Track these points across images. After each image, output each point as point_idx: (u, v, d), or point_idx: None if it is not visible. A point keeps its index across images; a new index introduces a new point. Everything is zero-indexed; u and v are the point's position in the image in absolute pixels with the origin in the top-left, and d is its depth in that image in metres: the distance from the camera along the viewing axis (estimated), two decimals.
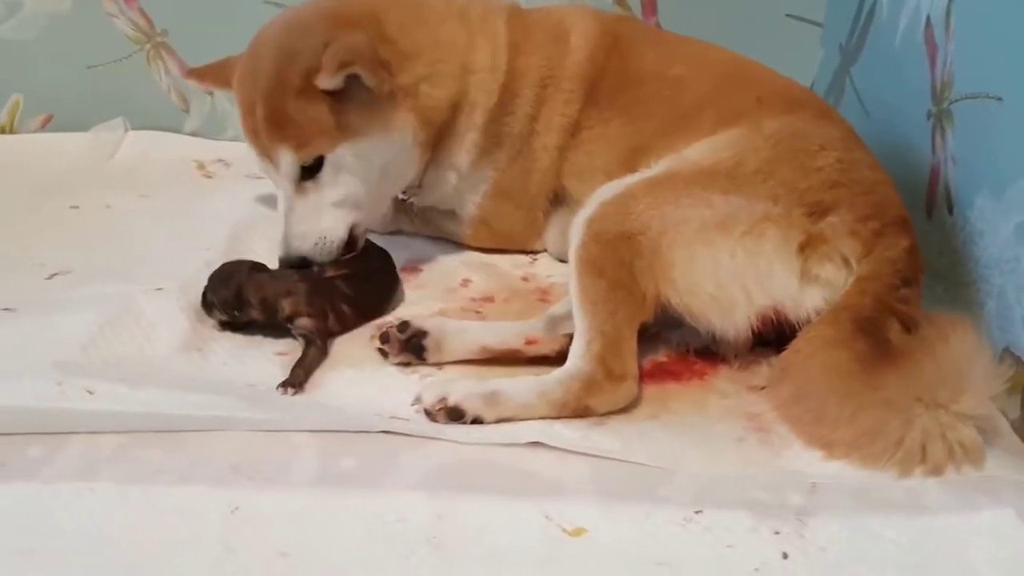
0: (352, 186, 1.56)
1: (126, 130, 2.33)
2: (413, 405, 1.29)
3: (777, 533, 1.10)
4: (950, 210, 1.53)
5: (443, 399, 1.26)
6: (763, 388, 1.38)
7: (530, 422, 1.26)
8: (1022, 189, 1.32)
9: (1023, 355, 1.30)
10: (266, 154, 1.55)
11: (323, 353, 1.42)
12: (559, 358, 1.36)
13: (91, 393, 1.25)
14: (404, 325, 1.41)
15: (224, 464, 1.17)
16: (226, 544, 1.04)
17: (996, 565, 1.07)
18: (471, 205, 1.75)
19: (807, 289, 1.34)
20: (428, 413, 1.27)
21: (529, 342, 1.41)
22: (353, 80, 1.48)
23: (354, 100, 1.51)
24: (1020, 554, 1.09)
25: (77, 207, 2.01)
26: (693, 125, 1.55)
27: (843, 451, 1.23)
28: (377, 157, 1.56)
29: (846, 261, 1.36)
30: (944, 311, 1.42)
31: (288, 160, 1.52)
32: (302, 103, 1.49)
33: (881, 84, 1.90)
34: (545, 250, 1.82)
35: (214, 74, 1.74)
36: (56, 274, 1.68)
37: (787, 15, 2.22)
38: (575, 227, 1.39)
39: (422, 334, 1.40)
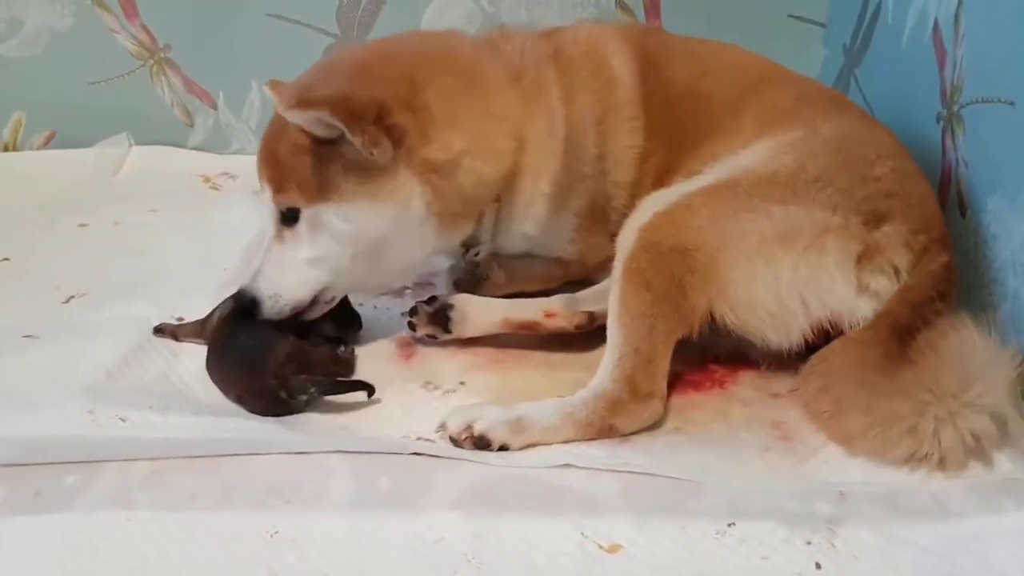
0: (331, 249, 1.41)
1: (130, 145, 2.35)
2: (437, 432, 1.29)
3: (809, 543, 1.11)
4: (963, 213, 1.54)
5: (469, 427, 1.26)
6: (794, 390, 1.39)
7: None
8: None
9: None
10: (260, 185, 1.45)
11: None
12: (578, 333, 1.43)
13: (123, 420, 1.26)
14: (432, 299, 1.50)
15: (260, 488, 1.17)
16: (269, 568, 1.05)
17: None
18: (557, 250, 1.63)
19: (861, 298, 1.34)
20: (454, 441, 1.26)
21: (548, 315, 1.48)
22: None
23: (348, 160, 1.36)
24: None
25: (86, 225, 2.02)
26: (733, 128, 1.52)
27: (861, 440, 1.25)
28: (370, 226, 1.40)
29: (897, 272, 1.35)
30: (960, 313, 1.43)
31: (267, 201, 1.42)
32: (292, 148, 1.37)
33: (887, 86, 1.91)
34: None
35: None
36: (72, 297, 1.68)
37: (789, 15, 2.24)
38: (625, 234, 1.37)
39: (448, 307, 1.49)
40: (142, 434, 1.24)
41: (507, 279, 1.64)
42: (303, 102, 1.32)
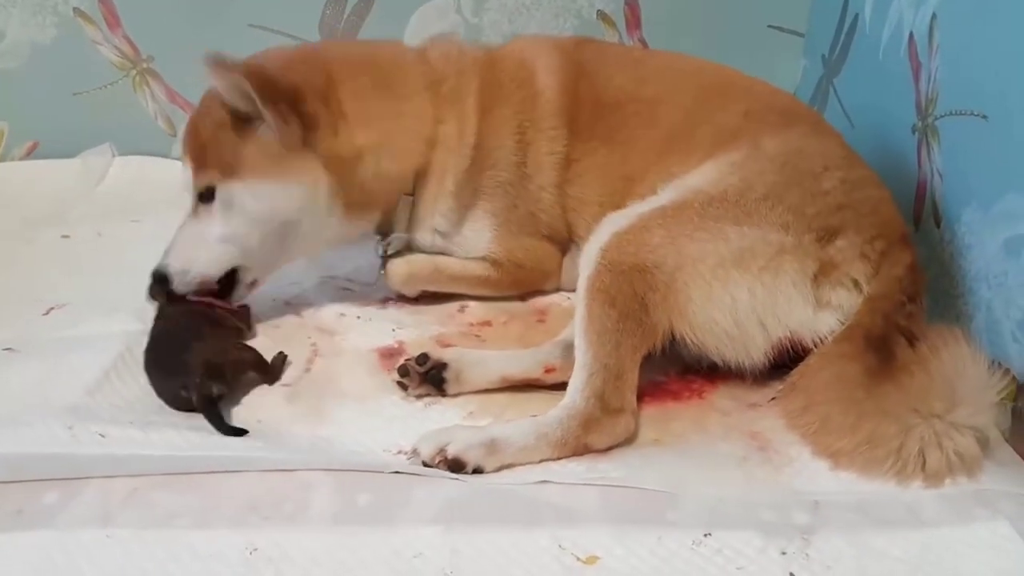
0: (241, 227, 1.52)
1: (113, 155, 2.35)
2: (409, 458, 1.28)
3: (784, 553, 1.13)
4: (937, 223, 1.56)
5: (442, 451, 1.25)
6: (773, 399, 1.41)
7: None
8: (1010, 204, 1.36)
9: (1012, 367, 1.33)
10: (183, 161, 1.57)
11: None
12: None
13: (103, 437, 1.26)
14: (423, 358, 1.42)
15: (240, 505, 1.18)
16: None
17: None
18: (479, 250, 1.69)
19: (821, 314, 1.37)
20: (427, 465, 1.25)
21: (548, 370, 1.43)
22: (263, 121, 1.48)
23: (263, 141, 1.49)
24: (1016, 566, 1.12)
25: (68, 236, 2.01)
26: (686, 146, 1.55)
27: (847, 459, 1.27)
28: (277, 205, 1.52)
29: (857, 284, 1.38)
30: (935, 323, 1.45)
31: (187, 178, 1.54)
32: (214, 124, 1.50)
33: (865, 96, 1.94)
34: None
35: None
36: (53, 309, 1.68)
37: (769, 26, 2.26)
38: (587, 255, 1.39)
39: (442, 366, 1.42)
40: (122, 451, 1.24)
41: (439, 278, 1.69)
42: (224, 64, 1.43)
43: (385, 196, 1.61)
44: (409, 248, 1.71)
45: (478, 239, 1.68)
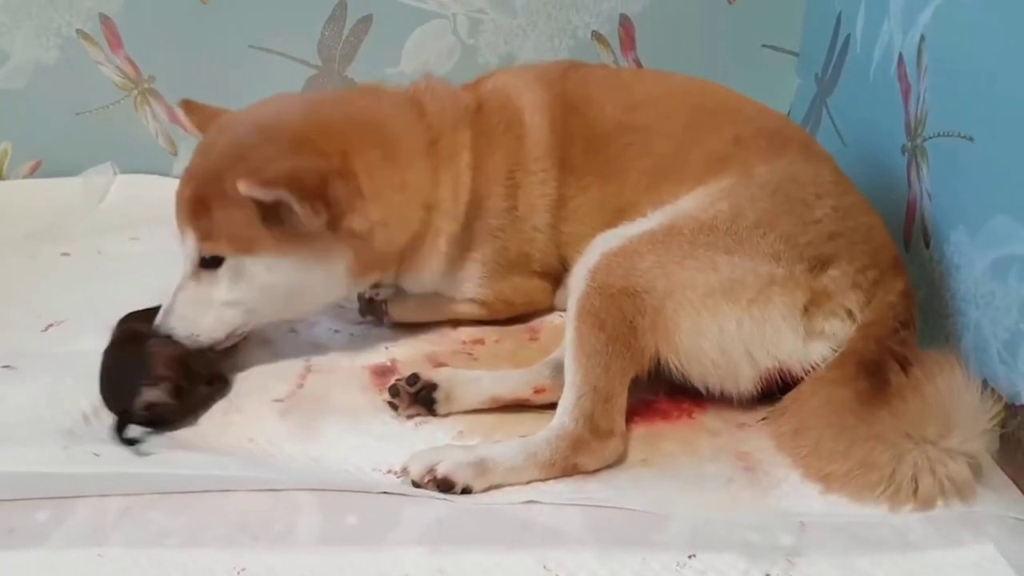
0: (249, 295, 1.48)
1: (115, 174, 2.38)
2: (400, 477, 1.29)
3: (768, 575, 1.13)
4: (927, 243, 1.57)
5: (431, 470, 1.26)
6: (763, 419, 1.41)
7: None
8: (996, 226, 1.36)
9: (1001, 389, 1.33)
10: (179, 227, 1.49)
11: None
12: None
13: (98, 456, 1.27)
14: (414, 378, 1.43)
15: (230, 525, 1.19)
16: None
17: None
18: (466, 292, 1.69)
19: (813, 344, 1.37)
20: (416, 484, 1.26)
21: (537, 391, 1.44)
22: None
23: (284, 220, 1.41)
24: None
25: (68, 254, 2.03)
26: (677, 176, 1.54)
27: (838, 484, 1.27)
28: (291, 279, 1.48)
29: (851, 314, 1.38)
30: (924, 344, 1.46)
31: (190, 245, 1.46)
32: (226, 202, 1.40)
33: (857, 116, 1.95)
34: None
35: (201, 118, 1.64)
36: (51, 325, 1.70)
37: (763, 45, 2.28)
38: (576, 276, 1.40)
39: (432, 387, 1.43)
40: (116, 469, 1.26)
41: (421, 311, 1.71)
42: (267, 183, 1.36)
43: (391, 262, 1.60)
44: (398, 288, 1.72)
45: (466, 284, 1.68)
